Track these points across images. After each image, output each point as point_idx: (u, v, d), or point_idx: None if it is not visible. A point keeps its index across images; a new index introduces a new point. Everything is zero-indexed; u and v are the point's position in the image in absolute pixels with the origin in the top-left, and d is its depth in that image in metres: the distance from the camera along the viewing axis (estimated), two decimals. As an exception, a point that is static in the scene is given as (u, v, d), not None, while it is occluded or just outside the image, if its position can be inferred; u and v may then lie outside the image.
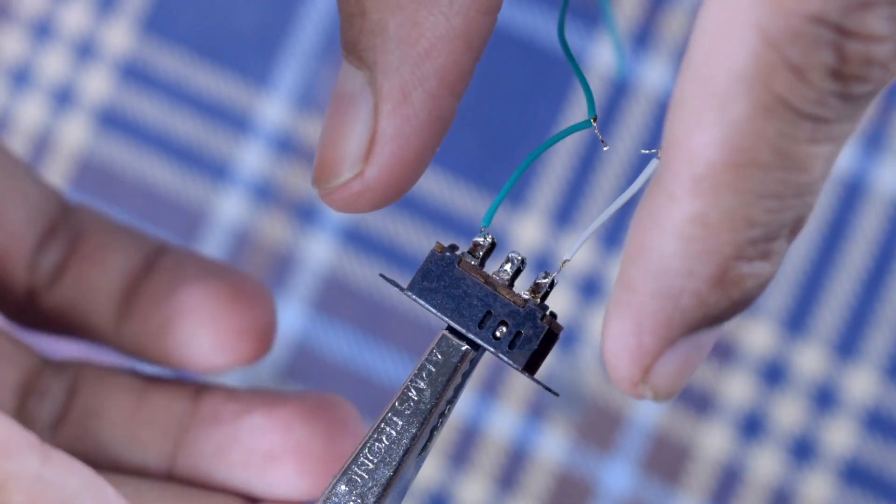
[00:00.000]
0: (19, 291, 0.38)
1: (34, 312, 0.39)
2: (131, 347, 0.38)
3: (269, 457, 0.36)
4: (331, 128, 0.31)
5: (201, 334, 0.37)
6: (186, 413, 0.37)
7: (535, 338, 0.33)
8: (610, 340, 0.28)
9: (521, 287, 0.34)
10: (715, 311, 0.28)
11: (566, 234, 0.77)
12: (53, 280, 0.38)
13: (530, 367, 0.33)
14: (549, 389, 0.34)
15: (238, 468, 0.36)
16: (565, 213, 0.78)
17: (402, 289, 0.34)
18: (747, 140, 0.26)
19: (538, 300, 0.34)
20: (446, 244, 0.34)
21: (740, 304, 0.28)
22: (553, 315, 0.34)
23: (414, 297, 0.34)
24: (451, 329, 0.34)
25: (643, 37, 0.77)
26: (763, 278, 0.28)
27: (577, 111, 0.78)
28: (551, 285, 0.34)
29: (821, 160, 0.26)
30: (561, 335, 0.34)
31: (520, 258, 0.34)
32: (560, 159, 0.78)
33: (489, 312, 0.34)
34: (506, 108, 0.79)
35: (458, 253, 0.34)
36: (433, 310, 0.34)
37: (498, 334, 0.34)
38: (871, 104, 0.26)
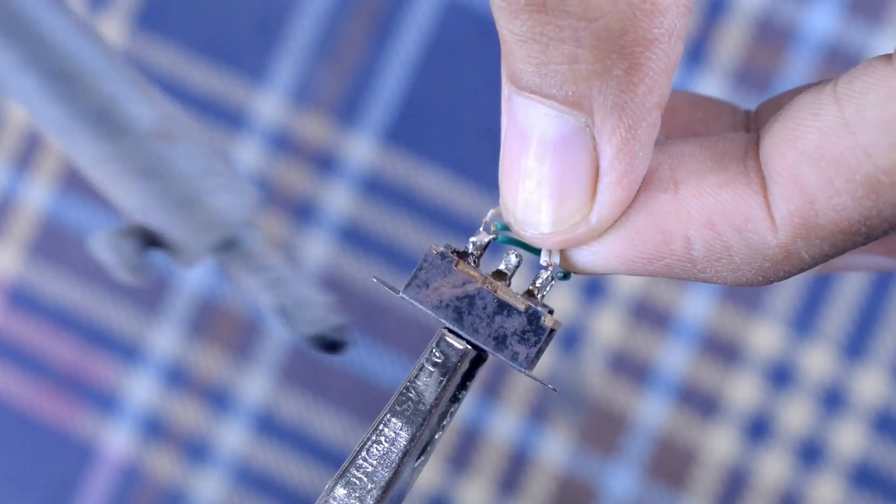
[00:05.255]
0: None
1: None
2: None
3: None
4: (530, 171, 0.30)
5: None
6: None
7: (536, 337, 0.33)
8: None
9: (518, 285, 0.34)
10: None
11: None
12: None
13: (531, 366, 0.33)
14: (549, 387, 0.33)
15: None
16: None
17: (397, 291, 0.33)
18: None
19: (538, 299, 0.33)
20: (442, 244, 0.34)
21: None
22: (550, 312, 0.33)
23: (410, 299, 0.33)
24: (450, 329, 0.33)
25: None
26: None
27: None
28: (550, 283, 0.33)
29: None
30: (563, 335, 0.34)
31: (516, 257, 0.33)
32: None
33: (488, 313, 0.33)
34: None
35: (453, 254, 0.33)
36: (431, 312, 0.33)
37: (498, 335, 0.33)
38: None
